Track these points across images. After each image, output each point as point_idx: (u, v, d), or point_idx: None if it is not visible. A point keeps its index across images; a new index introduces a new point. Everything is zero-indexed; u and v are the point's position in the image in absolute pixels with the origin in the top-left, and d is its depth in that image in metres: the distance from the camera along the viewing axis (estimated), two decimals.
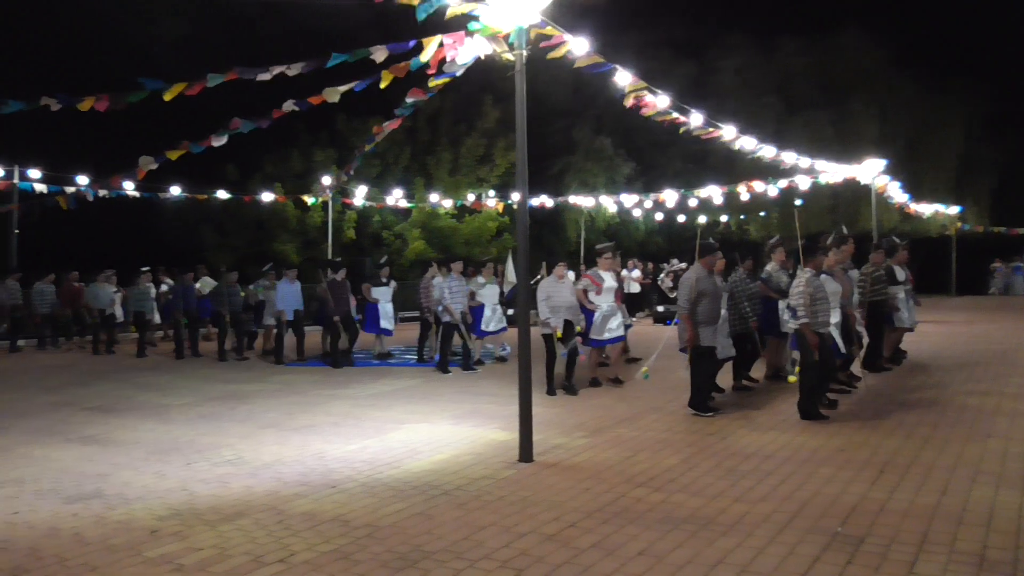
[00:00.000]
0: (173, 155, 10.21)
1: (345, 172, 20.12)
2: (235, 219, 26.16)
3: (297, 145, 25.93)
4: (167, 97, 8.26)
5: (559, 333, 9.45)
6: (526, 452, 6.42)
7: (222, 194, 21.13)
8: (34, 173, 16.81)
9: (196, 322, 14.93)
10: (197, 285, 15.19)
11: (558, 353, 9.58)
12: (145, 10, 27.12)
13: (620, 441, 7.11)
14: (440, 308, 12.18)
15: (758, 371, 10.17)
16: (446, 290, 12.01)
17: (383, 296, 13.98)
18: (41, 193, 16.76)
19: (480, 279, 12.88)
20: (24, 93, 8.48)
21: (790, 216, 27.88)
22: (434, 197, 24.13)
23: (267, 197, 22.10)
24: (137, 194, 18.42)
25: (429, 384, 10.83)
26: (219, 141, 9.80)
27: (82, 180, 16.71)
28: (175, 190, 19.27)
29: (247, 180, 25.18)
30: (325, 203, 22.50)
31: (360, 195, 22.69)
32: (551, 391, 9.51)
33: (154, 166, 10.28)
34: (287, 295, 13.56)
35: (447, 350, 12.02)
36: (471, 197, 25.06)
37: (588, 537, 4.64)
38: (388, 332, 14.06)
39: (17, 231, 17.24)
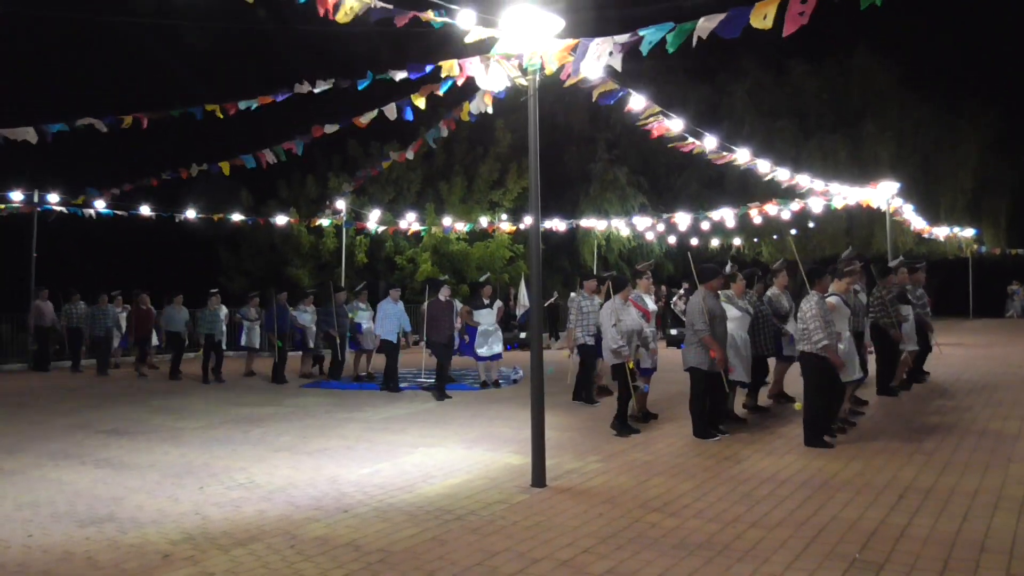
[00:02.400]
0: (226, 167, 10.92)
1: (354, 184, 20.24)
2: (250, 243, 26.38)
3: (312, 170, 26.16)
4: (219, 114, 8.67)
5: (632, 363, 8.52)
6: (539, 477, 6.38)
7: (238, 216, 21.34)
8: (52, 197, 16.98)
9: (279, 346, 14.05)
10: (304, 312, 14.56)
11: (639, 387, 8.71)
12: (167, 28, 27.62)
13: (634, 466, 7.05)
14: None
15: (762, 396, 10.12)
16: (572, 311, 10.59)
17: (485, 319, 12.67)
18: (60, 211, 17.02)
19: (596, 299, 10.98)
20: (55, 115, 8.72)
21: (802, 239, 27.92)
22: (446, 221, 24.23)
23: (281, 220, 22.28)
24: (153, 215, 18.60)
25: (442, 408, 10.80)
26: (272, 158, 10.75)
27: (100, 204, 16.92)
28: (191, 213, 19.46)
29: (262, 205, 25.40)
30: (338, 227, 22.65)
31: (373, 219, 22.82)
32: (626, 430, 8.44)
33: (204, 166, 11.10)
34: (388, 316, 12.46)
35: (590, 379, 10.57)
36: (483, 221, 25.15)
37: (603, 563, 4.59)
38: (483, 357, 12.61)
39: (36, 255, 17.38)
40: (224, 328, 14.85)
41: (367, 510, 5.78)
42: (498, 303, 13.18)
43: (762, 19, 5.49)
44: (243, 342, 15.38)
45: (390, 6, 6.25)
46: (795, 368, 10.66)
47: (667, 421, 9.19)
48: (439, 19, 6.45)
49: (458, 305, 13.08)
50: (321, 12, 6.25)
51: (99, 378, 15.26)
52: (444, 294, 12.06)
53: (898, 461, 6.94)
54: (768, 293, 9.85)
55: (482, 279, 13.76)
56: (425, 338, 12.09)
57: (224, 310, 15.07)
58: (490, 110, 8.54)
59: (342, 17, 6.35)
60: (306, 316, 14.77)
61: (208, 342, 14.38)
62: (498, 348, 12.73)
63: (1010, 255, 32.74)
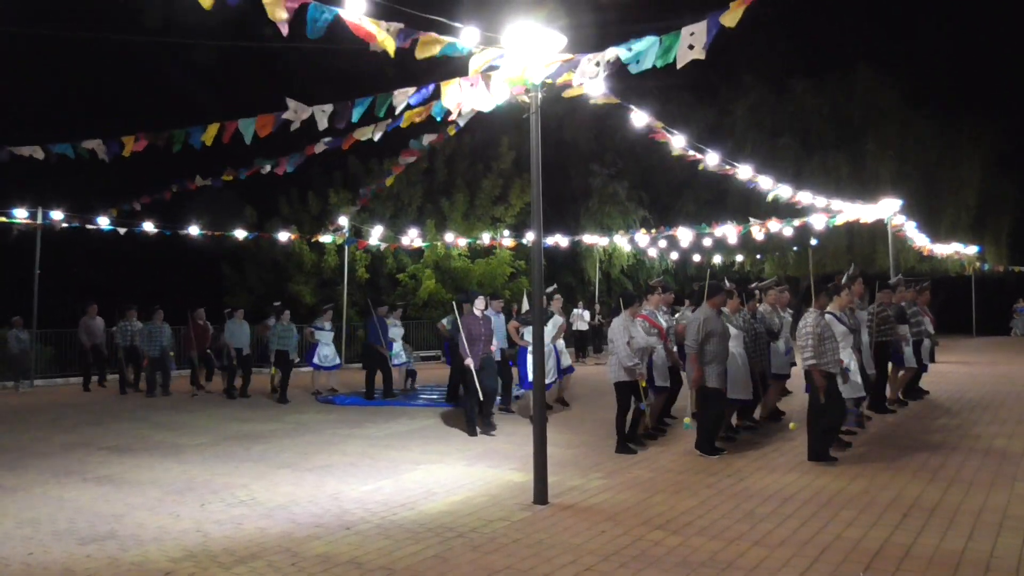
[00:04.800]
0: (227, 177, 10.90)
1: (360, 202, 20.21)
2: (253, 260, 26.46)
3: (312, 187, 26.22)
4: (208, 141, 8.52)
5: (644, 382, 8.38)
6: (541, 494, 6.36)
7: (240, 233, 21.35)
8: (56, 214, 17.01)
9: (379, 360, 13.37)
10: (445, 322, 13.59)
11: (643, 405, 8.59)
12: (172, 45, 27.82)
13: (637, 483, 7.03)
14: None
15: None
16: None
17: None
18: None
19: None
20: (57, 130, 8.75)
21: (805, 256, 27.93)
22: (448, 237, 24.28)
23: (283, 237, 22.30)
24: (156, 230, 18.55)
25: (444, 424, 10.77)
26: (264, 169, 10.51)
27: (103, 220, 16.95)
28: (194, 229, 19.45)
29: (265, 222, 25.48)
30: (341, 244, 22.72)
31: (375, 235, 22.88)
32: (629, 448, 8.37)
33: (208, 180, 11.08)
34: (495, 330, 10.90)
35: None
36: (486, 237, 25.19)
37: None
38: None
39: (39, 271, 17.38)
40: (296, 343, 14.07)
41: (369, 527, 5.76)
42: (557, 319, 11.36)
43: (732, 19, 5.56)
44: (317, 359, 14.62)
45: (400, 25, 6.28)
46: (789, 384, 10.73)
47: (671, 438, 9.16)
48: (446, 39, 6.48)
49: (496, 318, 11.12)
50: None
51: (151, 398, 14.32)
52: (479, 306, 10.24)
53: (903, 479, 6.91)
54: (759, 309, 9.85)
55: (550, 288, 11.29)
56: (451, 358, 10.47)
57: (294, 327, 14.18)
58: (461, 122, 8.56)
59: (388, 46, 6.17)
60: (395, 330, 14.26)
61: (281, 359, 13.59)
62: (551, 375, 10.83)
63: (1013, 272, 32.69)
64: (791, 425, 9.34)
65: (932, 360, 13.54)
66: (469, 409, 9.83)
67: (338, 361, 15.14)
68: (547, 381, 10.43)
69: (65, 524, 6.01)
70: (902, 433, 9.15)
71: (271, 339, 13.89)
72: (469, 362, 9.82)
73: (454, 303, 11.15)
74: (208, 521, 6.02)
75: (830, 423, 7.72)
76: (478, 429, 9.73)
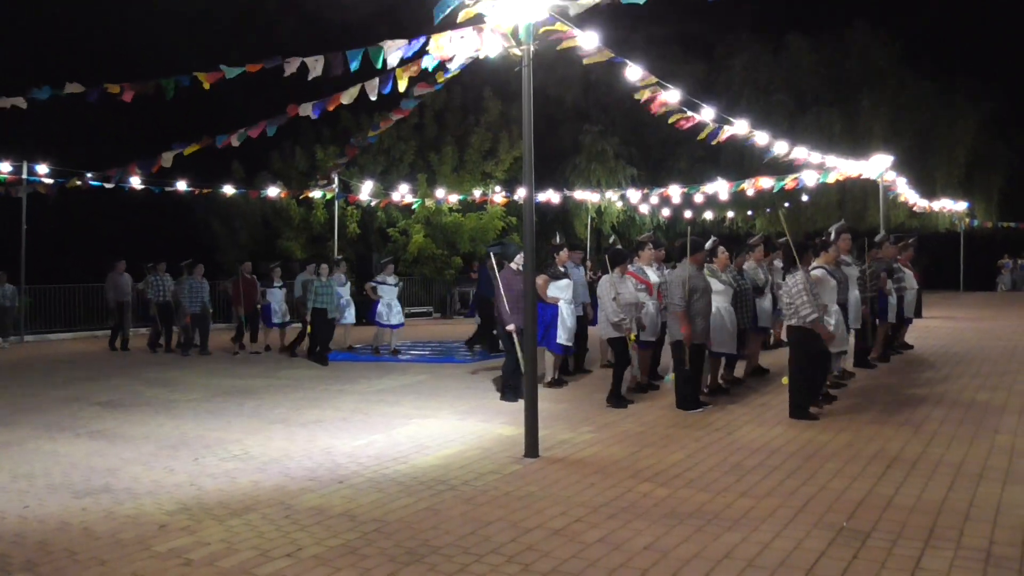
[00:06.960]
0: (189, 151, 10.39)
1: (347, 156, 19.93)
2: (243, 216, 26.28)
3: (301, 142, 25.94)
4: (206, 85, 8.32)
5: (633, 336, 8.46)
6: (532, 447, 6.44)
7: (228, 189, 21.12)
8: (41, 168, 16.78)
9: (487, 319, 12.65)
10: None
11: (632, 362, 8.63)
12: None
13: (626, 436, 7.12)
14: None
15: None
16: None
17: (563, 292, 9.71)
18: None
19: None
20: (42, 82, 8.57)
21: (795, 212, 27.95)
22: (440, 192, 24.14)
23: (272, 192, 22.09)
24: (143, 186, 18.26)
25: (436, 380, 10.85)
26: (239, 140, 10.06)
27: (89, 176, 16.72)
28: (181, 184, 19.17)
29: (254, 177, 25.24)
30: (330, 199, 22.56)
31: (366, 190, 22.72)
32: (620, 402, 8.40)
33: (167, 163, 10.50)
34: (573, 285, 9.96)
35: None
36: (477, 193, 25.07)
37: (594, 532, 4.65)
38: (564, 350, 9.83)
39: (25, 227, 17.23)
40: (338, 301, 13.36)
41: (361, 480, 5.83)
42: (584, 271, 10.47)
43: None
44: (382, 317, 13.39)
45: None
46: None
47: (661, 393, 9.26)
48: None
49: (576, 271, 10.39)
50: None
51: (202, 357, 13.75)
52: (519, 261, 8.96)
53: (886, 432, 7.02)
54: (744, 266, 9.91)
55: (557, 239, 10.36)
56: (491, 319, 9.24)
57: (341, 279, 13.60)
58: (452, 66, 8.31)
59: None
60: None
61: (319, 317, 12.76)
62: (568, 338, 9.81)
63: (1001, 229, 32.91)
64: (784, 380, 9.44)
65: (919, 315, 13.67)
66: (511, 375, 8.79)
67: (402, 319, 13.85)
68: (567, 343, 9.83)
69: (60, 478, 6.06)
70: (886, 387, 9.28)
71: (308, 296, 13.00)
72: (511, 327, 8.48)
73: (490, 255, 9.71)
74: (202, 475, 6.08)
75: (811, 380, 7.80)
76: (513, 395, 8.73)
